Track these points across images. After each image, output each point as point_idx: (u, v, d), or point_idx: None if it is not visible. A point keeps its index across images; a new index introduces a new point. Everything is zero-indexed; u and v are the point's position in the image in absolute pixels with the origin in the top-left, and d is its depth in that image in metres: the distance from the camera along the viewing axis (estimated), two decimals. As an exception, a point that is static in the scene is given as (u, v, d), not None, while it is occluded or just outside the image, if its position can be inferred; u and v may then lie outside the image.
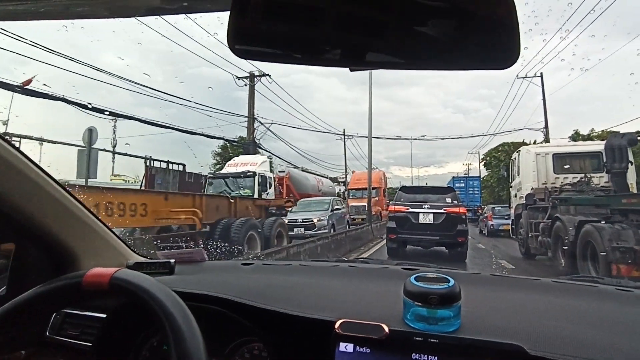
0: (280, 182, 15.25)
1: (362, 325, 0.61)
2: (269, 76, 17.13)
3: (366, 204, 15.39)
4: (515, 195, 9.41)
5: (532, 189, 8.14)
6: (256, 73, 16.59)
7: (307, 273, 1.10)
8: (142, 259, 1.08)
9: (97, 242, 0.99)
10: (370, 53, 0.41)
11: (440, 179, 63.73)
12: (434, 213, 7.68)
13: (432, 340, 0.58)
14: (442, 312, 0.60)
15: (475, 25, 0.39)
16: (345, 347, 0.60)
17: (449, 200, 7.93)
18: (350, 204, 18.76)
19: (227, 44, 0.39)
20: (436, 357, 0.57)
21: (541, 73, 19.62)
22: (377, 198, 19.52)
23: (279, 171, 16.23)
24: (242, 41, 0.40)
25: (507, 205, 18.88)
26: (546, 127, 19.41)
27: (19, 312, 0.60)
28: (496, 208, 15.98)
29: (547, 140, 18.23)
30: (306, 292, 0.85)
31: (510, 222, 10.05)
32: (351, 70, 0.49)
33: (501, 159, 27.96)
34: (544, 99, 19.41)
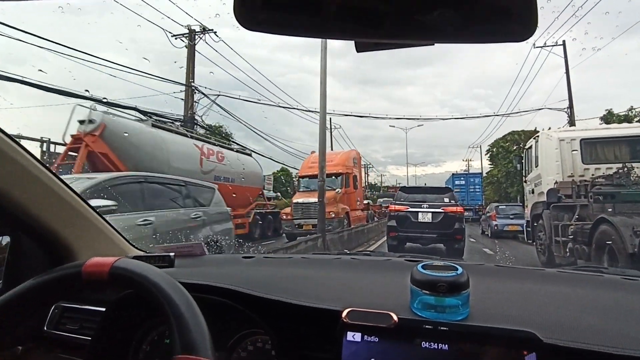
0: (76, 143, 7.00)
1: (370, 314, 0.59)
2: (214, 33, 13.08)
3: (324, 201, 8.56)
4: (532, 192, 7.78)
5: (555, 183, 6.58)
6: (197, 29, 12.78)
7: (310, 265, 1.09)
8: (141, 253, 1.05)
9: (95, 235, 0.97)
10: (380, 25, 0.38)
11: (438, 178, 62.87)
12: (432, 212, 7.93)
13: (442, 328, 0.57)
14: (450, 300, 0.59)
15: None
16: (353, 336, 0.58)
17: (446, 199, 8.21)
18: (294, 201, 11.90)
19: (233, 15, 0.38)
20: (446, 345, 0.56)
21: (563, 41, 15.84)
22: (339, 190, 11.71)
23: (79, 121, 7.24)
24: (249, 11, 0.38)
25: (513, 203, 17.47)
26: (570, 107, 15.26)
27: (16, 305, 0.57)
28: (500, 207, 14.43)
29: (571, 123, 14.79)
30: (310, 283, 0.83)
31: (525, 224, 8.43)
32: (358, 50, 0.46)
33: (510, 150, 24.67)
34: (567, 72, 15.32)
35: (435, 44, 0.43)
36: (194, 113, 12.84)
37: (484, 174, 30.12)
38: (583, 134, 6.80)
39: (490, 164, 30.95)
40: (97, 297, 0.84)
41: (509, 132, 26.23)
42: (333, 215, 10.83)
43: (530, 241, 7.92)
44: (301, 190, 12.46)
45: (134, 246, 1.08)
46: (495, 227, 13.43)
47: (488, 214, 15.00)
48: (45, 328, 0.87)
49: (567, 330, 0.57)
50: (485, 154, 30.00)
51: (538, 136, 7.48)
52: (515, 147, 23.73)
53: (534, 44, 16.24)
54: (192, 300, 0.52)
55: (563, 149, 6.71)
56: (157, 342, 0.80)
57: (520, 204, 15.76)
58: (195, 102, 12.98)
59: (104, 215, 1.00)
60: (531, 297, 0.73)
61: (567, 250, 5.81)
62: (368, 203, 20.41)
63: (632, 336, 0.56)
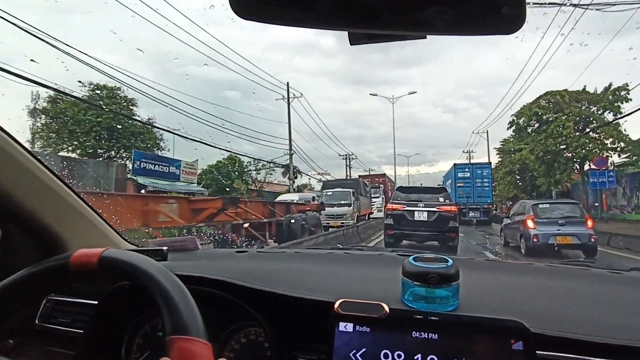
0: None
1: (362, 305, 0.61)
2: None
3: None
4: None
5: None
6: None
7: (303, 259, 1.11)
8: (134, 247, 1.07)
9: (87, 229, 0.96)
10: (374, 16, 0.40)
11: (432, 177, 61.19)
12: (427, 211, 8.26)
13: (432, 318, 0.58)
14: (440, 292, 0.61)
15: None
16: (345, 326, 0.60)
17: (441, 199, 8.58)
18: None
19: (228, 4, 0.39)
20: (436, 335, 0.57)
21: None
22: None
23: None
24: (244, 0, 0.39)
25: (562, 199, 11.41)
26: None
27: (4, 297, 0.57)
28: (541, 205, 8.50)
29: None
30: (303, 276, 0.85)
31: None
32: (352, 43, 0.48)
33: (543, 119, 17.77)
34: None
35: (428, 38, 0.45)
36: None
37: (493, 164, 22.46)
38: None
39: (499, 154, 24.39)
40: (89, 291, 0.85)
41: (544, 93, 18.40)
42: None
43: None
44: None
45: (126, 240, 1.09)
46: (535, 240, 7.80)
47: (519, 217, 8.92)
48: (36, 321, 0.87)
49: (553, 320, 0.59)
50: (508, 128, 21.71)
51: None
52: (555, 115, 17.09)
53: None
54: (181, 284, 0.53)
55: None
56: (150, 335, 0.81)
57: (575, 202, 9.55)
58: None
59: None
60: (520, 289, 0.76)
61: None
62: (188, 197, 8.52)
63: (616, 325, 0.58)
